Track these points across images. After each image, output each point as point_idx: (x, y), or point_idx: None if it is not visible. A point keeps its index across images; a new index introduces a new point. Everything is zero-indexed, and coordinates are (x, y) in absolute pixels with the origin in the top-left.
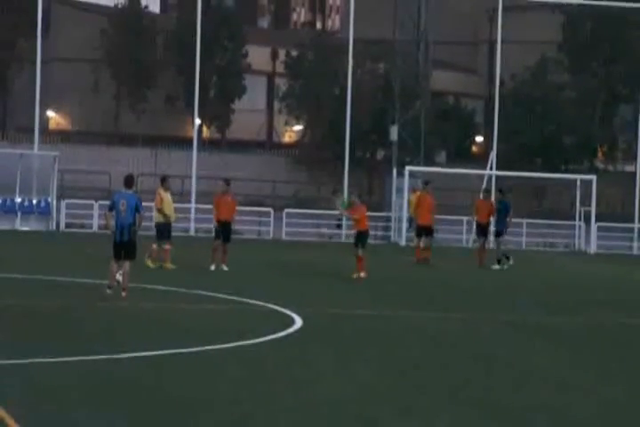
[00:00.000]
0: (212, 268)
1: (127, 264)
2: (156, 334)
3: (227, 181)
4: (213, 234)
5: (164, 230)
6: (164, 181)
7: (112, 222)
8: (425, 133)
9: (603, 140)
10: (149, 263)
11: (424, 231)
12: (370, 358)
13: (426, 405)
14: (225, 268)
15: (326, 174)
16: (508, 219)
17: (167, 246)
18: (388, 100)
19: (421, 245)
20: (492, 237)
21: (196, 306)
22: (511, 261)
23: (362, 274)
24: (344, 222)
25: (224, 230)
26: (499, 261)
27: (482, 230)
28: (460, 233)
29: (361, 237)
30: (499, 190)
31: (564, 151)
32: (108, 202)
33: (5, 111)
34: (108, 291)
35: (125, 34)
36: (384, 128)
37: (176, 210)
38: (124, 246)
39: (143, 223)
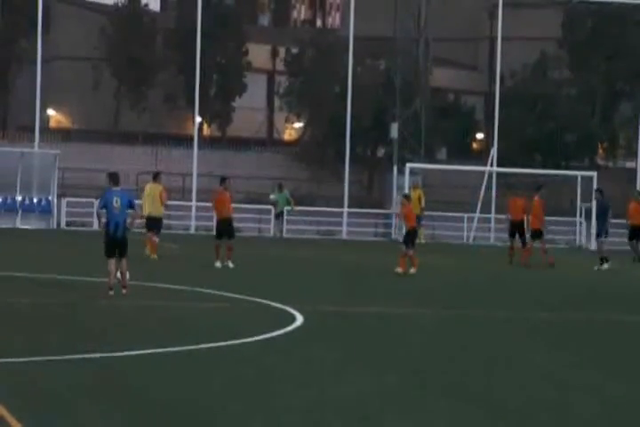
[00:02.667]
0: (218, 264)
1: (124, 262)
2: (156, 332)
3: (222, 180)
4: (214, 233)
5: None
6: (157, 176)
7: (103, 220)
8: (425, 130)
9: (603, 137)
10: (154, 255)
11: (537, 234)
12: (370, 356)
13: (427, 404)
14: (231, 265)
15: (327, 172)
16: (607, 219)
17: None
18: (388, 97)
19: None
20: (527, 236)
21: (195, 304)
22: (607, 265)
23: (412, 270)
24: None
25: (226, 228)
26: (604, 260)
27: (515, 229)
28: (460, 230)
29: (410, 236)
30: (598, 191)
31: (565, 148)
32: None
33: (6, 110)
34: (110, 292)
35: (125, 32)
36: (384, 125)
37: None
38: (119, 243)
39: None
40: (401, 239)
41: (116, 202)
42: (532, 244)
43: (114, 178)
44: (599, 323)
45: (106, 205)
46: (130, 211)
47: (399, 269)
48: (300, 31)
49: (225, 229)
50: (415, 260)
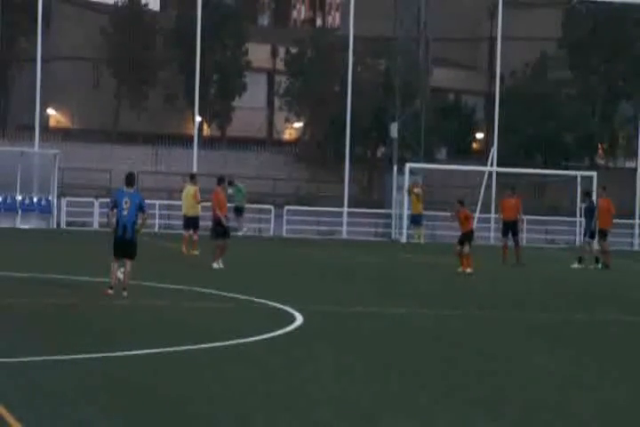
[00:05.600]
0: (222, 265)
1: (129, 264)
2: (156, 332)
3: (221, 179)
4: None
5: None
6: (193, 177)
7: (113, 220)
8: (425, 130)
9: (603, 137)
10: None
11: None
12: (370, 356)
13: (426, 403)
14: (215, 266)
15: (327, 172)
16: (593, 220)
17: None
18: (388, 97)
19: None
20: (523, 236)
21: (196, 304)
22: (579, 266)
23: (468, 270)
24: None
25: (214, 227)
26: (581, 260)
27: (507, 229)
28: (459, 230)
29: (466, 237)
30: (585, 193)
31: (565, 148)
32: (108, 200)
33: (6, 109)
34: (110, 291)
35: (126, 32)
36: (384, 125)
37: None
38: (126, 245)
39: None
40: (403, 239)
41: (126, 203)
42: (605, 244)
43: (129, 179)
44: (599, 323)
45: (116, 205)
46: (140, 214)
47: (468, 269)
48: (300, 31)
49: (214, 228)
50: (470, 260)
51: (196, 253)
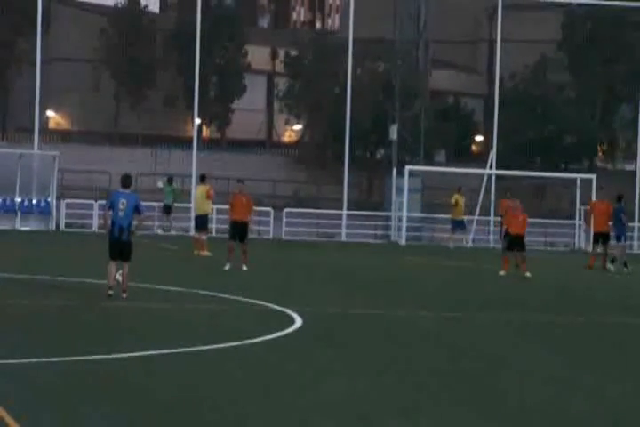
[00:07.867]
0: (227, 267)
1: (125, 266)
2: (155, 334)
3: (240, 181)
4: (228, 234)
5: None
6: (203, 178)
7: (109, 222)
8: (425, 133)
9: (602, 140)
10: (205, 253)
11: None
12: (369, 357)
13: (425, 405)
14: (244, 268)
15: (326, 174)
16: (623, 223)
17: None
18: (387, 99)
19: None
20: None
21: (195, 306)
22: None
23: (527, 274)
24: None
25: (237, 230)
26: (612, 261)
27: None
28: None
29: (515, 240)
30: (617, 197)
31: (564, 150)
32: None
33: (5, 111)
34: (110, 292)
35: (125, 33)
36: (384, 127)
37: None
38: (122, 246)
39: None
40: (402, 241)
41: (122, 204)
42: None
43: (125, 180)
44: (597, 324)
45: (112, 206)
46: (136, 215)
47: (528, 274)
48: (300, 33)
49: (235, 231)
50: (505, 264)
51: (207, 253)
